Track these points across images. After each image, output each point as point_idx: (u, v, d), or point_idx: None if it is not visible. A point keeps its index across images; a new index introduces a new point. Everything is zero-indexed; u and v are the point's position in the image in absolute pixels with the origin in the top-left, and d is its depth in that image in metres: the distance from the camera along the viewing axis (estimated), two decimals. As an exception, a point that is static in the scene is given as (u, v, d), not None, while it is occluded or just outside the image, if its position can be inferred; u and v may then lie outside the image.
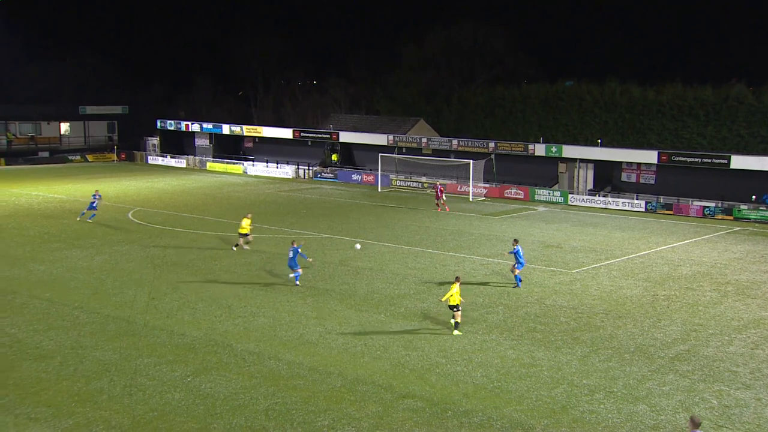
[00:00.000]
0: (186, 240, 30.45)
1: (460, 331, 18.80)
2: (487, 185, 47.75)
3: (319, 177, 55.73)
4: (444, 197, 40.46)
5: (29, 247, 28.23)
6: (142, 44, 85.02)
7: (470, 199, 45.45)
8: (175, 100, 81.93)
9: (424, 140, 52.59)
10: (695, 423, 11.18)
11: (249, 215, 28.64)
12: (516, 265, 23.11)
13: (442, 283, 23.87)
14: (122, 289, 22.38)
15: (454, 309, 18.87)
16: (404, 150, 53.44)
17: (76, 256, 26.88)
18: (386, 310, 20.83)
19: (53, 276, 23.99)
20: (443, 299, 19.16)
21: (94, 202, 33.89)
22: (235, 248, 27.96)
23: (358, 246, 27.01)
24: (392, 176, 52.00)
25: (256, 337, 18.44)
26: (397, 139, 53.66)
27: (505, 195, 46.41)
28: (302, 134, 58.82)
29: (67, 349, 17.24)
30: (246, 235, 28.02)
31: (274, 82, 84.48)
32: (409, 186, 50.46)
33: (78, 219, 33.93)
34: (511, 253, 23.72)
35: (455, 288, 18.87)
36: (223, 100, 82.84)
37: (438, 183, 44.18)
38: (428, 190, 44.52)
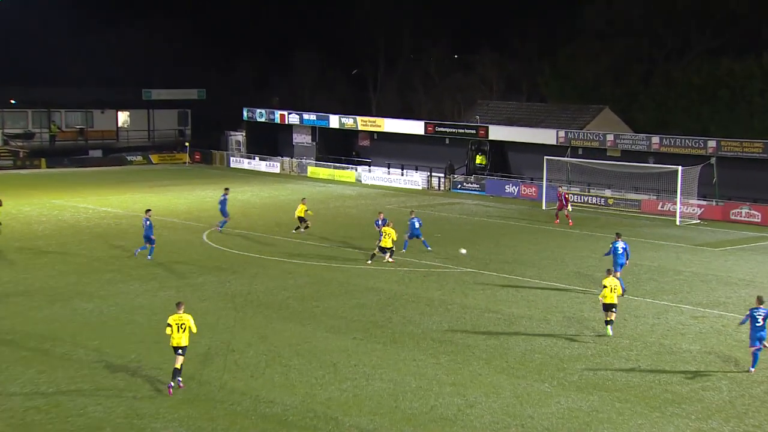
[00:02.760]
0: (278, 272, 31.54)
1: (609, 331, 23.45)
2: (703, 202, 45.96)
3: (460, 188, 56.00)
4: (570, 207, 41.57)
5: (74, 278, 30.29)
6: (224, 8, 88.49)
7: (677, 222, 43.85)
8: (267, 82, 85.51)
9: (610, 138, 51.51)
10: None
11: (304, 200, 37.94)
12: (754, 342, 21.06)
13: (633, 340, 23.13)
14: (193, 337, 23.48)
15: (612, 309, 23.65)
16: (581, 151, 52.52)
17: (134, 291, 28.58)
18: (552, 377, 20.54)
19: (104, 317, 25.59)
20: (600, 296, 23.86)
21: (148, 231, 32.44)
22: (294, 231, 37.69)
23: (464, 251, 26.11)
24: (562, 188, 51.24)
25: (370, 409, 18.69)
26: (571, 136, 53.00)
27: (732, 217, 44.50)
28: (438, 129, 59.54)
29: (119, 417, 18.24)
30: (304, 219, 37.39)
31: (400, 58, 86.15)
32: (587, 202, 49.46)
33: (135, 255, 33.13)
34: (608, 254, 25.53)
35: (609, 282, 23.56)
36: (332, 83, 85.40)
37: (561, 189, 44.48)
38: (607, 203, 43.35)
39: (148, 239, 32.77)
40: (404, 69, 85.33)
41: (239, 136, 71.24)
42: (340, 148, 64.80)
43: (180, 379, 19.52)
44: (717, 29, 68.41)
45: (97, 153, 69.14)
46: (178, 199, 49.99)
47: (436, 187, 57.25)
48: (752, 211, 43.98)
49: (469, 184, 55.72)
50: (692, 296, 28.45)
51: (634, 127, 60.92)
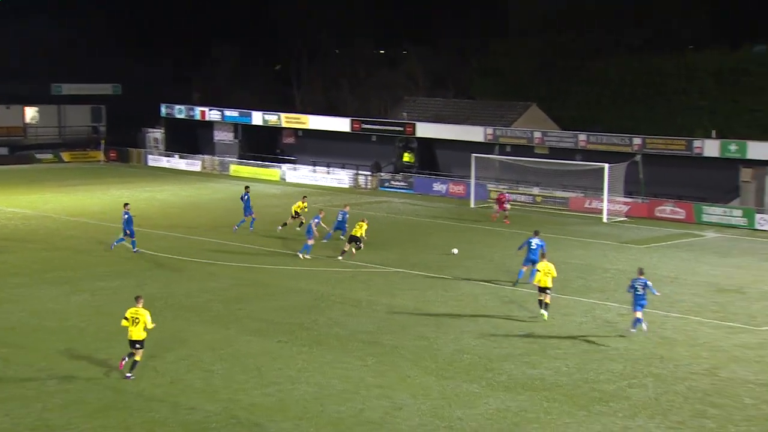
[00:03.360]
0: (199, 274, 31.20)
1: (545, 315, 25.42)
2: (629, 200, 46.99)
3: (388, 186, 56.19)
4: (508, 206, 42.71)
5: (-16, 281, 29.48)
6: None
7: (604, 220, 44.81)
8: (186, 77, 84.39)
9: (537, 135, 52.32)
10: None
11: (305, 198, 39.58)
12: (636, 306, 24.16)
13: (561, 338, 23.55)
14: (108, 342, 23.01)
15: (545, 291, 25.46)
16: (509, 149, 53.23)
17: (45, 296, 27.90)
18: (481, 378, 20.75)
19: (12, 324, 24.89)
20: (535, 281, 25.83)
21: (127, 224, 33.50)
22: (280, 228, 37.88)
23: (455, 251, 26.00)
24: (491, 186, 51.99)
25: (295, 414, 18.62)
26: (498, 133, 53.64)
27: (657, 214, 45.64)
28: (364, 126, 59.64)
29: (27, 430, 17.78)
30: (299, 215, 38.17)
31: (324, 53, 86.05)
32: (515, 200, 50.15)
33: (112, 248, 34.05)
34: (631, 290, 24.58)
35: (542, 267, 25.49)
36: (254, 79, 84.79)
37: (504, 192, 45.82)
38: (537, 202, 44.15)
39: (126, 232, 33.82)
40: (329, 64, 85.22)
41: (157, 134, 70.17)
42: (264, 146, 64.37)
43: (130, 375, 20.23)
44: (641, 27, 70.23)
45: (3, 151, 67.14)
46: (91, 199, 48.93)
47: (363, 186, 57.33)
48: (676, 209, 45.22)
49: (397, 183, 55.95)
50: (619, 294, 29.10)
51: (561, 124, 62.03)
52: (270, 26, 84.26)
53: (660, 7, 68.64)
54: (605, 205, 45.44)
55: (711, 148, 45.84)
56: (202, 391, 19.76)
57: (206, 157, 65.56)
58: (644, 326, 24.21)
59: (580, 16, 70.28)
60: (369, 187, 56.99)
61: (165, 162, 66.96)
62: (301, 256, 33.58)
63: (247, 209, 38.98)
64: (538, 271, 25.80)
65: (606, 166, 45.35)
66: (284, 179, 59.89)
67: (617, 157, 47.84)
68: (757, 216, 42.89)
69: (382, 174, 57.56)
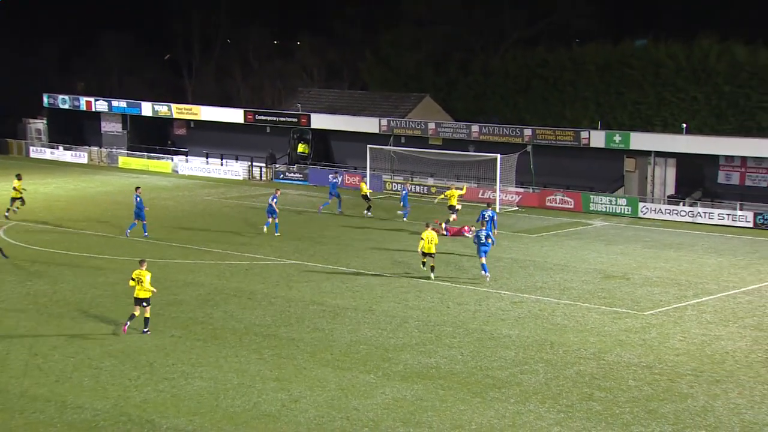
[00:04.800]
0: (87, 269, 30.43)
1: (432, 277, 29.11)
2: (521, 190, 48.08)
3: (283, 178, 55.87)
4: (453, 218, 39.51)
5: None
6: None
7: (497, 210, 45.66)
8: (71, 66, 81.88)
9: (431, 126, 52.94)
10: None
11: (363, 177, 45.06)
12: (480, 253, 29.26)
13: (456, 327, 23.96)
14: (-8, 339, 22.23)
15: (430, 256, 29.28)
16: (403, 140, 53.68)
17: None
18: (377, 368, 20.92)
19: None
20: (419, 248, 29.46)
21: (138, 207, 35.36)
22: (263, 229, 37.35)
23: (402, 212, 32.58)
24: (386, 177, 52.33)
25: (189, 409, 18.37)
26: (393, 124, 54.01)
27: (548, 204, 46.85)
28: (258, 117, 59.12)
29: None
30: (368, 198, 42.46)
31: (217, 42, 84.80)
32: (411, 191, 50.58)
33: (127, 235, 35.59)
34: (476, 239, 29.55)
35: (426, 235, 29.05)
36: (143, 68, 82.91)
37: (408, 183, 46.59)
38: (437, 197, 44.69)
39: (139, 216, 35.19)
40: (221, 54, 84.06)
41: (39, 124, 67.90)
42: (154, 137, 63.05)
43: (146, 330, 22.98)
44: (531, 19, 71.79)
45: None
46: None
47: (258, 177, 56.85)
48: (566, 198, 46.51)
49: (292, 174, 55.70)
50: (512, 282, 29.80)
51: (455, 115, 62.96)
52: (160, 13, 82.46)
53: (550, 1, 70.32)
54: (498, 195, 46.38)
55: (597, 139, 47.33)
56: (90, 390, 19.29)
57: (93, 148, 63.82)
58: (488, 275, 29.32)
59: (474, 7, 71.34)
60: (264, 179, 56.55)
61: (48, 154, 64.86)
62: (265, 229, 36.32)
63: (140, 212, 35.94)
64: (422, 239, 29.35)
65: (498, 156, 46.28)
66: (176, 171, 58.80)
67: (509, 147, 48.88)
68: (641, 204, 44.53)
69: (277, 166, 57.21)
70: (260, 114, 59.58)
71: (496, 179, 46.31)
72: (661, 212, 43.95)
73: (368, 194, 42.70)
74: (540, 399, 19.22)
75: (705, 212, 42.90)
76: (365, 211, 42.42)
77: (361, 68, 76.27)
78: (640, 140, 46.50)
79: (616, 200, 45.33)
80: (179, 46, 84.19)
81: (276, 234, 36.69)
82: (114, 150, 62.79)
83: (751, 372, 21.06)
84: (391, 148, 52.26)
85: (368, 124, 54.81)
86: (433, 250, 29.35)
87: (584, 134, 47.88)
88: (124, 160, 61.55)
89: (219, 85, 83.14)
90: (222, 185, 53.71)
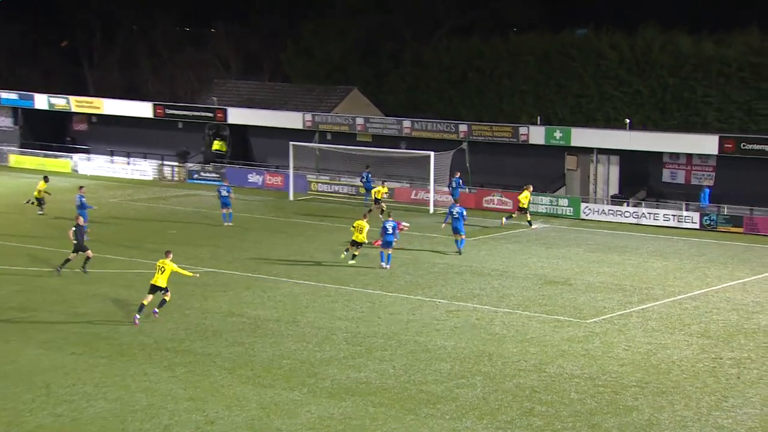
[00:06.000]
0: (-23, 279, 29.61)
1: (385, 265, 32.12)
2: (457, 190, 48.52)
3: (197, 178, 55.28)
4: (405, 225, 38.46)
5: None
6: None
7: (431, 211, 45.98)
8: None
9: (359, 121, 52.99)
10: None
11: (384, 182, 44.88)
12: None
13: (387, 339, 24.00)
14: None
15: (357, 246, 32.42)
16: (329, 137, 53.61)
17: None
18: (302, 385, 20.84)
19: None
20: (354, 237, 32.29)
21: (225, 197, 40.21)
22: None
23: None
24: (311, 177, 52.18)
25: (92, 434, 18.03)
26: (318, 119, 53.88)
27: (485, 205, 47.28)
28: (169, 111, 58.47)
29: None
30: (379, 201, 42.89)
31: (122, 29, 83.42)
32: (338, 192, 50.62)
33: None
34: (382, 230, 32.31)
35: (358, 224, 32.20)
36: (37, 56, 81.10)
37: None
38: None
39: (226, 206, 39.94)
40: (127, 42, 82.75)
41: None
42: (51, 133, 61.84)
43: (156, 310, 25.33)
44: (465, 7, 72.34)
45: None
46: None
47: (169, 177, 56.18)
48: (504, 198, 46.91)
49: (207, 174, 55.13)
50: (447, 289, 29.98)
51: (385, 110, 63.13)
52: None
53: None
54: (432, 196, 46.62)
55: (536, 135, 47.96)
56: (-18, 415, 18.80)
57: (-21, 145, 62.31)
58: (388, 266, 31.98)
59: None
60: (176, 179, 55.89)
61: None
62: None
63: (83, 213, 35.34)
64: (354, 227, 32.31)
65: (431, 154, 46.55)
66: (76, 171, 57.75)
67: (443, 144, 49.20)
68: (583, 205, 45.27)
69: (190, 164, 56.58)
70: (171, 108, 58.95)
71: (429, 179, 46.54)
72: (605, 213, 44.75)
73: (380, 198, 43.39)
74: (477, 415, 19.37)
75: (650, 213, 43.79)
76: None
77: (282, 59, 75.91)
78: (581, 136, 47.25)
79: (557, 201, 46.02)
80: (78, 33, 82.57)
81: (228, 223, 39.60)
82: (4, 147, 61.31)
83: (698, 382, 21.57)
84: (316, 145, 52.16)
85: (291, 119, 54.60)
86: (365, 239, 31.99)
87: (523, 130, 48.50)
88: (16, 159, 60.22)
89: (124, 75, 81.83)
90: (129, 186, 52.93)
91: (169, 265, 25.25)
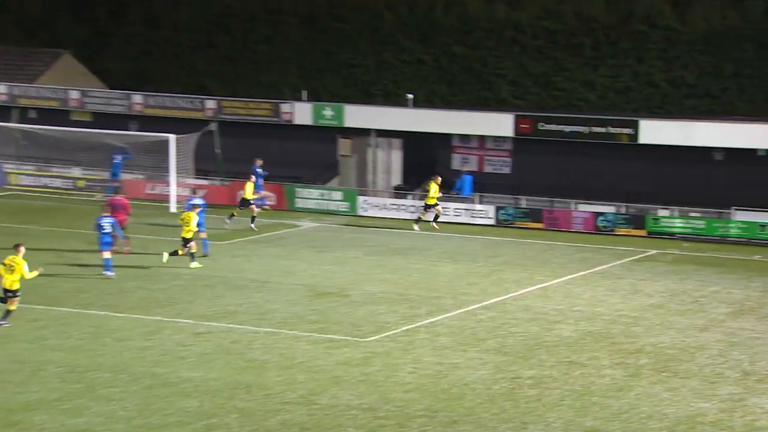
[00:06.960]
0: None
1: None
2: (204, 182, 48.23)
3: None
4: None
5: None
6: None
7: (172, 209, 45.47)
8: None
9: (74, 95, 51.94)
10: None
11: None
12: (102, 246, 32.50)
13: (116, 372, 23.54)
14: None
15: (187, 245, 34.42)
16: (34, 114, 52.19)
17: None
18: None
19: None
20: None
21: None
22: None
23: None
24: (9, 167, 50.56)
25: None
26: (17, 92, 52.64)
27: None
28: None
29: None
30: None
31: None
32: (48, 186, 49.25)
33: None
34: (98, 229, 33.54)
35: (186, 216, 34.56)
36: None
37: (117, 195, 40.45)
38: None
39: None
40: None
41: None
42: None
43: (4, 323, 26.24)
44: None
45: None
46: None
47: None
48: (265, 192, 47.03)
49: None
50: (194, 307, 29.67)
51: (109, 81, 61.82)
52: None
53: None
54: (173, 190, 46.10)
55: (302, 113, 48.57)
56: None
57: None
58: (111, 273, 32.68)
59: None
60: None
61: None
62: None
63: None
64: (182, 218, 34.92)
65: (171, 137, 46.06)
66: None
67: (186, 125, 48.86)
68: (360, 199, 46.08)
69: None
70: None
71: (169, 168, 46.03)
72: (386, 208, 45.75)
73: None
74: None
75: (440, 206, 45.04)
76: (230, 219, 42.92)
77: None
78: (356, 115, 48.21)
79: (329, 194, 46.64)
80: None
81: None
82: None
83: (494, 408, 22.41)
84: (16, 125, 50.53)
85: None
86: (189, 235, 34.33)
87: (286, 107, 48.94)
88: None
89: None
90: None
91: (19, 262, 26.55)
